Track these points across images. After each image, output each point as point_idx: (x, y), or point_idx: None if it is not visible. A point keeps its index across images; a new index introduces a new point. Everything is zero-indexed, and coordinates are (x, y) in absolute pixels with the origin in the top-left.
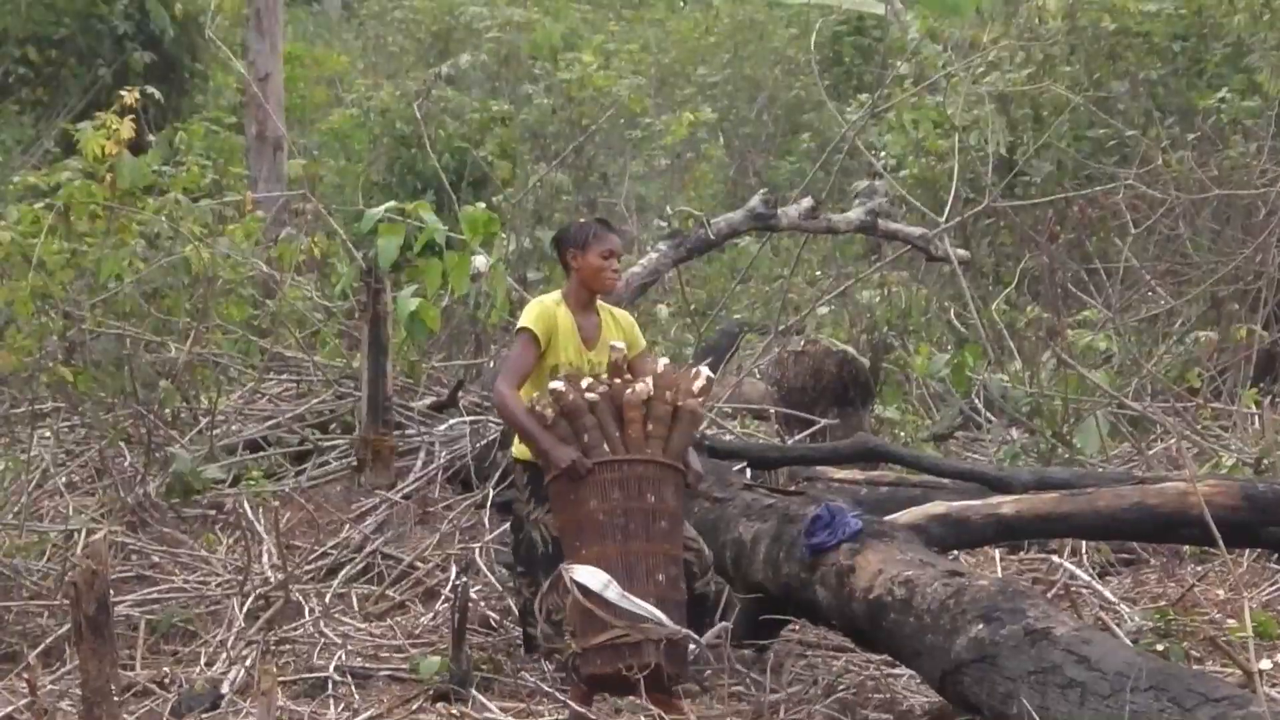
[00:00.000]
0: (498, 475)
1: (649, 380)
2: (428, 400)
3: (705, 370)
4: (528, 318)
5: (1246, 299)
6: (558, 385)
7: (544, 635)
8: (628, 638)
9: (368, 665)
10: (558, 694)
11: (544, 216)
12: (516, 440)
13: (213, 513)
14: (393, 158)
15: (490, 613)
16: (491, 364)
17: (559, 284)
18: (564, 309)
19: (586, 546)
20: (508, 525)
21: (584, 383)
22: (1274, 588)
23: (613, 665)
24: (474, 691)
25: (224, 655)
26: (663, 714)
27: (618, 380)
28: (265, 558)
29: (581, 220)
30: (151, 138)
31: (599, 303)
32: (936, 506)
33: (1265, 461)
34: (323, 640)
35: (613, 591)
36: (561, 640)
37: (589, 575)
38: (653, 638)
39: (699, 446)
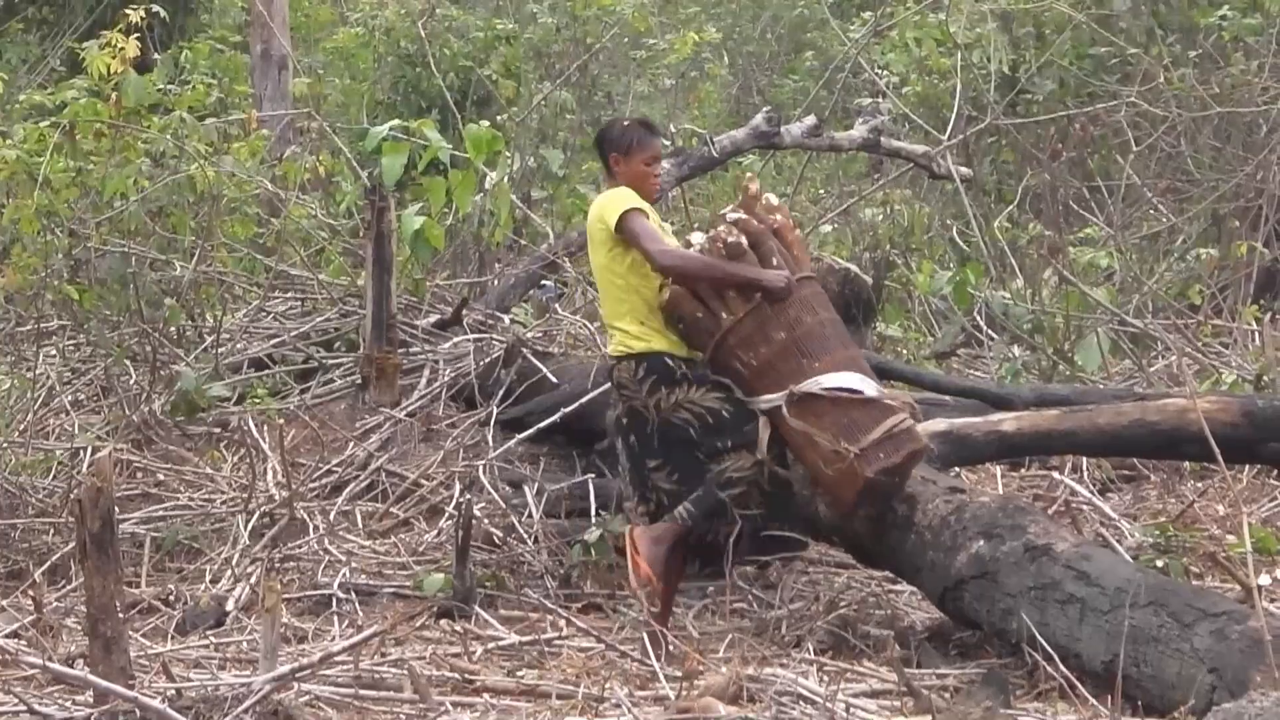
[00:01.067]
0: (502, 392)
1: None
2: (432, 318)
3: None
4: (628, 201)
5: (1247, 216)
6: (738, 215)
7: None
8: (904, 423)
9: (372, 582)
10: (560, 611)
11: (548, 135)
12: (619, 339)
13: (218, 430)
14: (397, 76)
15: (494, 529)
16: (496, 282)
17: (563, 203)
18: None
19: (817, 358)
20: (616, 434)
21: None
22: (1273, 504)
23: (899, 453)
24: (477, 608)
25: (229, 572)
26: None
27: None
28: (270, 475)
29: (625, 121)
30: (157, 56)
31: None
32: (938, 424)
33: (1265, 378)
34: (327, 558)
35: (871, 387)
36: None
37: (842, 379)
38: (919, 419)
39: None
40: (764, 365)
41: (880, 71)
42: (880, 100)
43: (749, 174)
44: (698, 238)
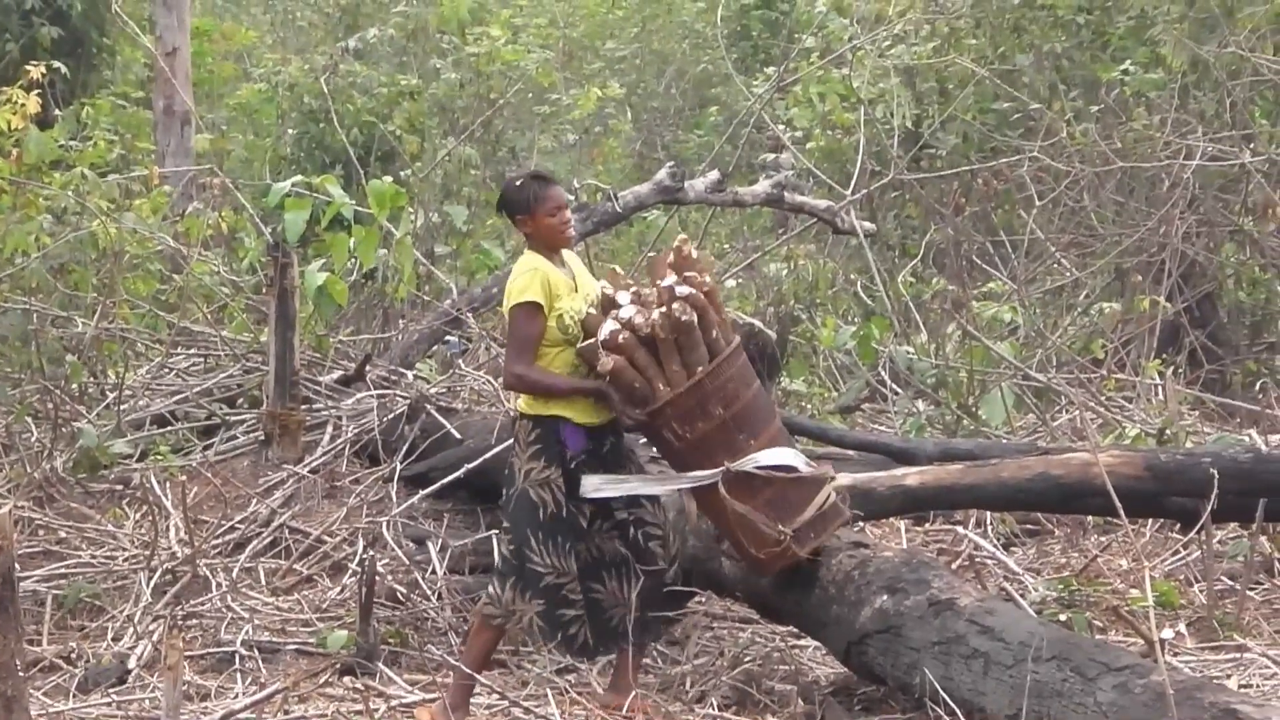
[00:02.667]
0: (405, 448)
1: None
2: (335, 374)
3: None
4: (528, 289)
5: (1150, 270)
6: (685, 289)
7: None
8: (830, 498)
9: (275, 639)
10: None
11: (452, 191)
12: (526, 397)
13: (120, 488)
14: (301, 132)
15: (397, 586)
16: (400, 337)
17: (467, 258)
18: (546, 263)
19: (754, 435)
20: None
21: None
22: (1176, 558)
23: (827, 530)
24: (381, 665)
25: (131, 630)
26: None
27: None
28: (172, 532)
29: (517, 180)
30: (58, 113)
31: None
32: (842, 478)
33: (1167, 432)
34: (230, 615)
35: (801, 461)
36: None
37: (776, 456)
38: (843, 494)
39: None
40: (699, 440)
41: (784, 126)
42: (784, 155)
43: (682, 236)
44: (624, 298)
